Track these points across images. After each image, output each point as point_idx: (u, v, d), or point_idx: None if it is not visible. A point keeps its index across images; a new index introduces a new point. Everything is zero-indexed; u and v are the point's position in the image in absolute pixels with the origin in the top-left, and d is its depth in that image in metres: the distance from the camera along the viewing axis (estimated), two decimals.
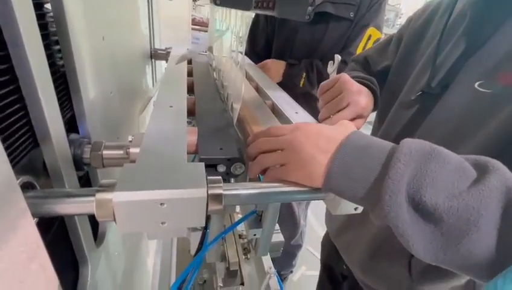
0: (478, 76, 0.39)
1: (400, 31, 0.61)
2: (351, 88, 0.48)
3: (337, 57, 0.54)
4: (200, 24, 2.82)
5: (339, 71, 0.90)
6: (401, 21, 3.96)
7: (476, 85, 0.39)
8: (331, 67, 0.56)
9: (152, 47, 1.01)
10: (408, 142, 0.27)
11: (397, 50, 0.59)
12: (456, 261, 0.25)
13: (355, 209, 0.35)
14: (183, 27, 2.09)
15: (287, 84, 0.89)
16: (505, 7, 0.38)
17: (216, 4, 0.27)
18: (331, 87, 0.51)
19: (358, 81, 0.53)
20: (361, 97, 0.49)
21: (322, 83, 0.53)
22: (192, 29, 2.47)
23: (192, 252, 0.44)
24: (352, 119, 0.49)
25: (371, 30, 0.85)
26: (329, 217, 0.71)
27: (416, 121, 0.47)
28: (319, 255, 1.68)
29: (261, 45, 1.06)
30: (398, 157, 0.25)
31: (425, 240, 0.25)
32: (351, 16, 0.85)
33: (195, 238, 0.43)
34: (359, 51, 0.87)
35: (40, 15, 0.28)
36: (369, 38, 0.85)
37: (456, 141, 0.40)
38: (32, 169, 0.28)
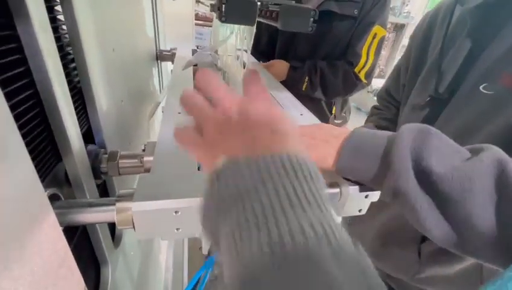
0: (482, 79, 0.41)
1: (407, 49, 0.62)
2: None
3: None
4: (203, 19, 2.81)
5: (345, 72, 0.89)
6: (409, 8, 3.85)
7: (480, 88, 0.40)
8: None
9: (158, 48, 1.02)
10: (406, 125, 0.30)
11: (407, 67, 0.60)
12: (457, 236, 0.27)
13: (359, 211, 0.36)
14: (187, 23, 2.09)
15: (289, 86, 0.90)
16: (503, 13, 0.40)
17: (221, 21, 0.28)
18: None
19: None
20: None
21: None
22: (196, 24, 2.47)
23: (203, 250, 0.46)
24: None
25: (376, 28, 0.84)
26: None
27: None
28: None
29: (264, 43, 1.06)
30: (402, 130, 0.29)
31: (430, 210, 0.27)
32: (355, 13, 0.84)
33: (206, 239, 0.45)
34: (364, 50, 0.86)
35: (57, 38, 0.30)
36: (374, 37, 0.84)
37: (464, 140, 0.42)
38: (57, 181, 0.30)
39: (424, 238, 0.49)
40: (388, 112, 0.68)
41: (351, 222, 0.68)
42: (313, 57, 0.94)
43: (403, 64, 0.63)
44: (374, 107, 0.72)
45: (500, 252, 0.26)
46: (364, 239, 0.63)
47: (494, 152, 0.26)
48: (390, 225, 0.56)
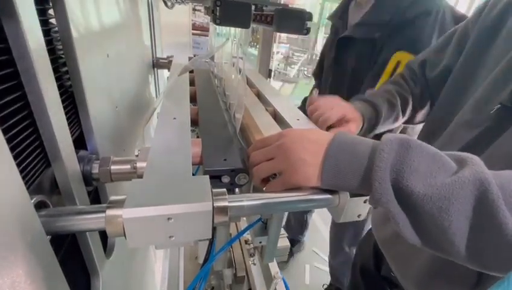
0: None
1: (466, 25, 0.51)
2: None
3: (316, 91, 0.60)
4: (200, 29, 2.85)
5: None
6: None
7: None
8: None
9: (154, 56, 1.02)
10: (387, 136, 0.29)
11: (460, 48, 0.50)
12: (435, 246, 0.28)
13: (359, 216, 0.35)
14: (184, 33, 2.11)
15: None
16: None
17: (216, 24, 0.28)
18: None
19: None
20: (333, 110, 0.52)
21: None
22: (193, 34, 2.49)
23: (200, 259, 0.45)
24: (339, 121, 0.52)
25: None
26: (381, 224, 0.62)
27: (481, 143, 0.38)
28: (324, 257, 1.67)
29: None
30: (382, 148, 0.28)
31: (409, 224, 0.28)
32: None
33: (202, 247, 0.43)
34: None
35: (48, 40, 0.29)
36: None
37: None
38: (45, 188, 0.29)
39: (478, 283, 0.41)
40: (409, 86, 0.60)
41: (390, 241, 0.57)
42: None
43: (457, 38, 0.52)
44: (407, 64, 0.64)
45: (474, 265, 0.27)
46: (404, 262, 0.52)
47: (476, 169, 0.25)
48: (441, 258, 0.47)
